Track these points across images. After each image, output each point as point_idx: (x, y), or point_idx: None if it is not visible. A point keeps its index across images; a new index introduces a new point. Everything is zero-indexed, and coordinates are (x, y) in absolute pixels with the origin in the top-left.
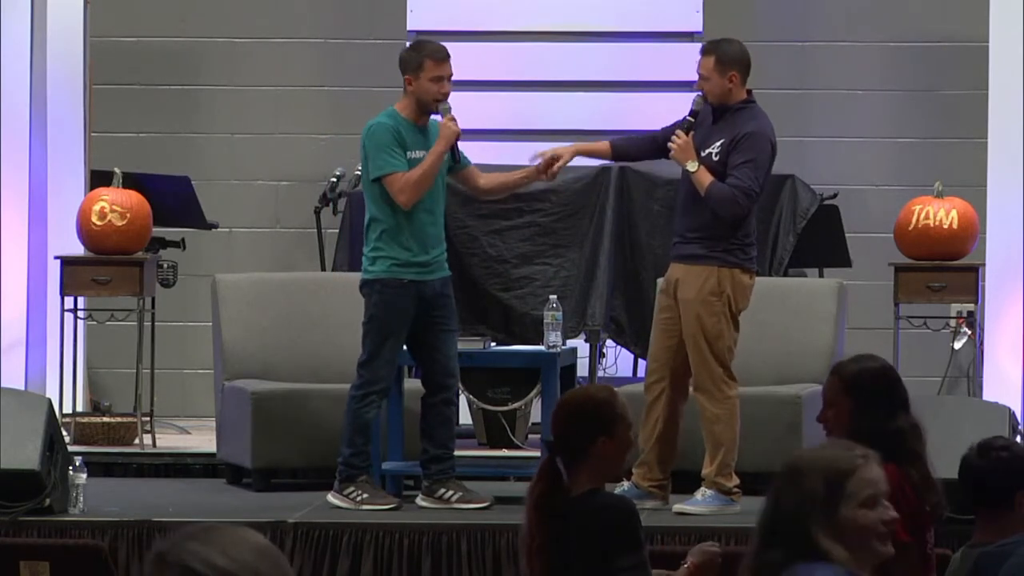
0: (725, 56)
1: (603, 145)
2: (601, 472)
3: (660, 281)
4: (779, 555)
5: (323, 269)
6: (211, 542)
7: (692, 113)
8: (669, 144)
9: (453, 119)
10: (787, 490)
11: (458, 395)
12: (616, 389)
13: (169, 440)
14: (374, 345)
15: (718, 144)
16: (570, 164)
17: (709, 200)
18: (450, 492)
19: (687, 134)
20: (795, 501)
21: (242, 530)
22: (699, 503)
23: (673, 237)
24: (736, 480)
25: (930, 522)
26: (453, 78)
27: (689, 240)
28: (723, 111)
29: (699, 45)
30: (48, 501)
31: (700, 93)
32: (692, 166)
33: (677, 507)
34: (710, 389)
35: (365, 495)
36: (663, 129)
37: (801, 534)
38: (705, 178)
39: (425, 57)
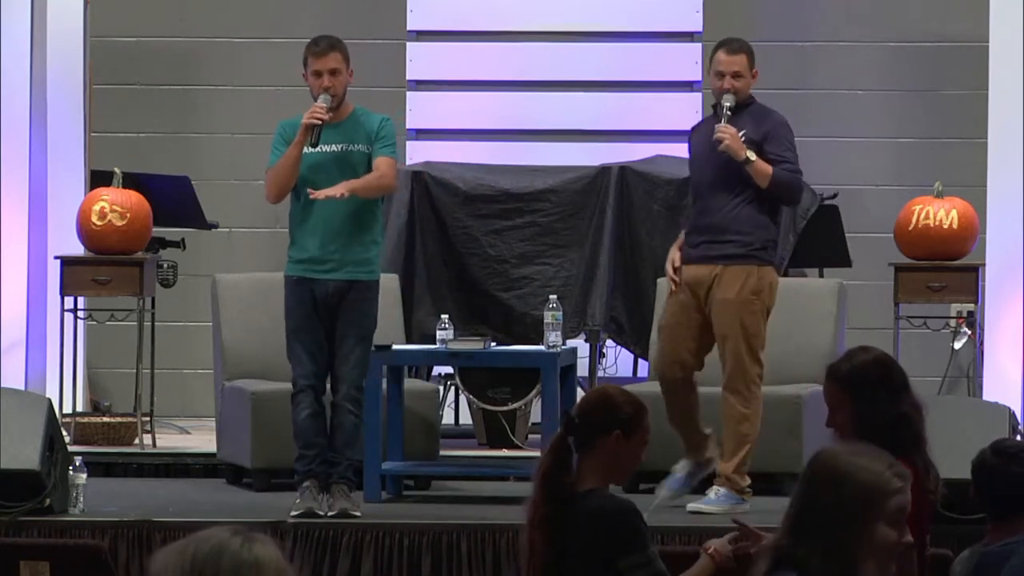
0: (752, 54)
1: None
2: (608, 470)
3: (670, 281)
4: (806, 551)
5: None
6: (167, 548)
7: (730, 110)
8: (717, 137)
9: (320, 107)
10: (826, 492)
11: (363, 405)
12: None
13: (169, 440)
14: (286, 345)
15: (740, 135)
16: (570, 164)
17: (776, 187)
18: (328, 498)
19: None
20: (834, 505)
21: (198, 540)
22: (712, 502)
23: (693, 237)
24: (749, 480)
25: (928, 521)
26: (452, 77)
27: (723, 240)
28: (735, 107)
29: (699, 45)
30: (48, 501)
31: (730, 93)
32: (751, 156)
33: (691, 506)
34: (739, 389)
35: (297, 500)
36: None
37: (835, 537)
38: (765, 167)
39: (306, 52)
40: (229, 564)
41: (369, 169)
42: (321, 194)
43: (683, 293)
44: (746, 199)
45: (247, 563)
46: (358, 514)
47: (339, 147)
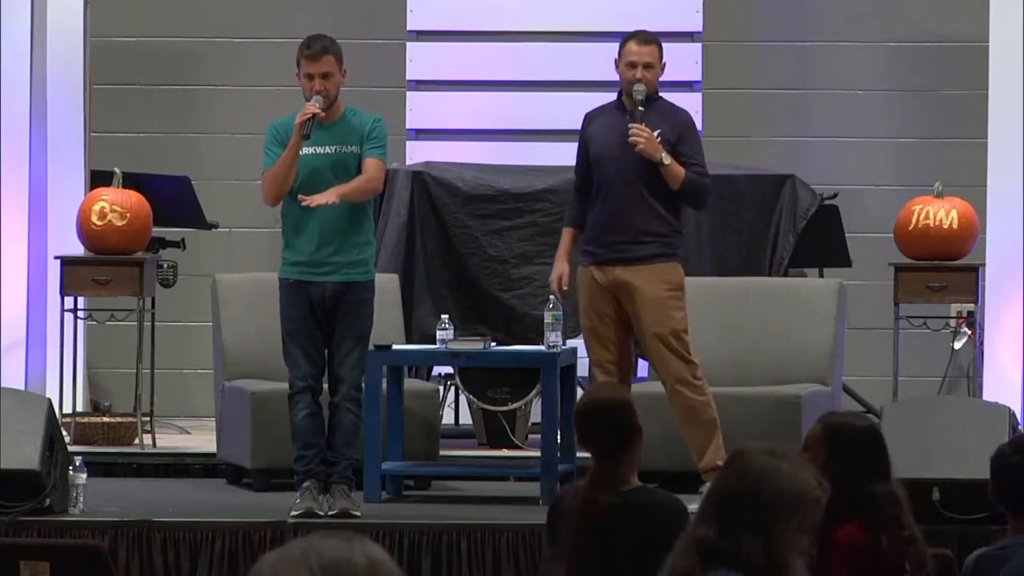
0: (661, 46)
1: (570, 237)
2: (636, 464)
3: (589, 285)
4: (743, 547)
5: None
6: (277, 552)
7: (641, 104)
8: (632, 140)
9: (311, 106)
10: (755, 487)
11: (363, 404)
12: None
13: (169, 440)
14: (283, 348)
15: (655, 135)
16: (570, 164)
17: (686, 191)
18: (329, 497)
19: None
20: (768, 501)
21: (316, 549)
22: None
23: (606, 236)
24: None
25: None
26: (452, 77)
27: (643, 241)
28: (644, 101)
29: (699, 45)
30: (48, 501)
31: (641, 83)
32: (667, 159)
33: (692, 508)
34: (690, 380)
35: (296, 501)
36: (580, 169)
37: (769, 533)
38: (679, 169)
39: (299, 53)
40: (365, 567)
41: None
42: (313, 201)
43: (598, 300)
44: (661, 197)
45: (377, 561)
46: (358, 514)
47: (333, 149)
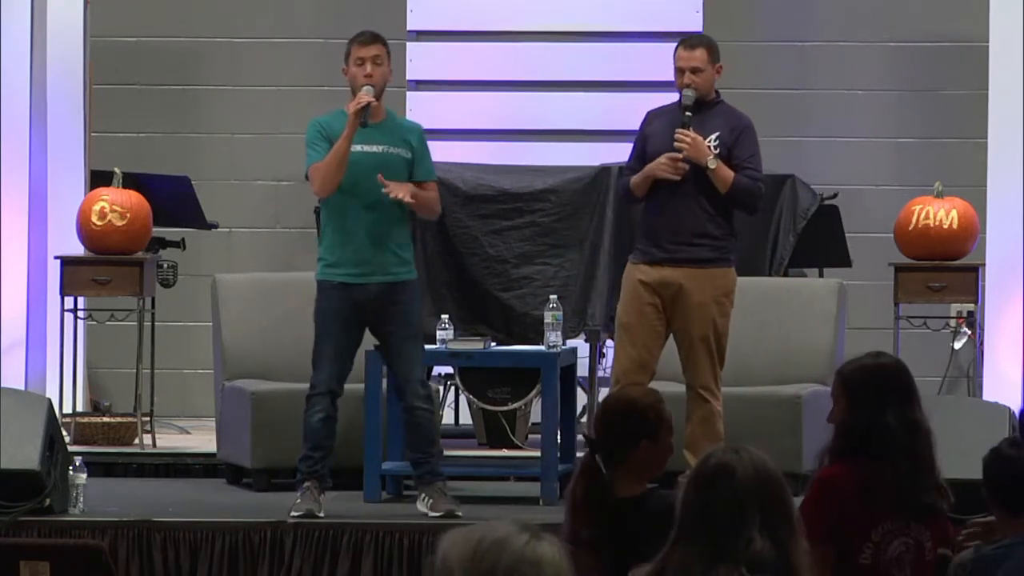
0: (714, 48)
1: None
2: (640, 474)
3: (633, 283)
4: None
5: None
6: (456, 530)
7: (689, 109)
8: (677, 145)
9: (363, 95)
10: (776, 481)
11: (432, 398)
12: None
13: (169, 440)
14: (313, 348)
15: (714, 137)
16: (570, 164)
17: (736, 194)
18: (427, 499)
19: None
20: (782, 493)
21: (487, 529)
22: None
23: (659, 237)
24: None
25: (873, 528)
26: (452, 77)
27: (696, 243)
28: (700, 105)
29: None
30: (48, 501)
31: (690, 88)
32: (712, 163)
33: None
34: (713, 388)
35: (297, 501)
36: (634, 164)
37: (792, 521)
38: (727, 173)
39: (349, 44)
40: (509, 559)
41: (407, 172)
42: (391, 191)
43: (641, 297)
44: (711, 200)
45: (527, 560)
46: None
47: (379, 149)
